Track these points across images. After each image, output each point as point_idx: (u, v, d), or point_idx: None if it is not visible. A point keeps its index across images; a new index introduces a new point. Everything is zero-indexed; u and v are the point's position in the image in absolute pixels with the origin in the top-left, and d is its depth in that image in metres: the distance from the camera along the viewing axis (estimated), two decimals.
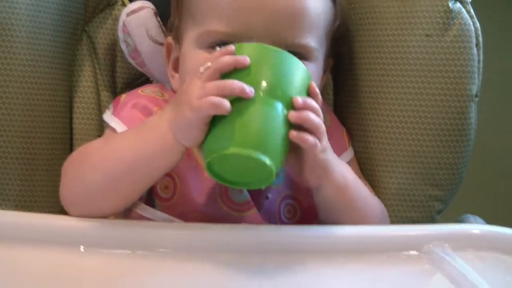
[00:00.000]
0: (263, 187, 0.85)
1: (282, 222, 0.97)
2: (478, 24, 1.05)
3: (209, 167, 0.84)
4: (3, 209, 1.01)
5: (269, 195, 0.97)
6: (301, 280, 0.83)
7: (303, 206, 0.99)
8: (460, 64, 1.03)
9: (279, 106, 0.84)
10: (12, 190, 1.04)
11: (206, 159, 0.83)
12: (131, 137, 0.92)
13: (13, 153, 1.04)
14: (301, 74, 0.87)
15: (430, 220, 1.05)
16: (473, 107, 1.04)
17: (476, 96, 1.04)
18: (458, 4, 1.05)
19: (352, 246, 0.88)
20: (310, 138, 0.85)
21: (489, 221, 0.98)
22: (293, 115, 0.84)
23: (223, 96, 0.82)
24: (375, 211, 0.99)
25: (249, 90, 0.82)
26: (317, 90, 0.88)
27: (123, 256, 0.85)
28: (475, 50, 1.04)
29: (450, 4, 1.04)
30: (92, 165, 0.91)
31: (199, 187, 0.96)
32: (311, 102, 0.86)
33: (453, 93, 1.03)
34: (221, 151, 0.81)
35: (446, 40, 1.03)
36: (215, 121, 0.83)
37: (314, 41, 0.95)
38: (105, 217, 0.91)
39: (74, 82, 1.12)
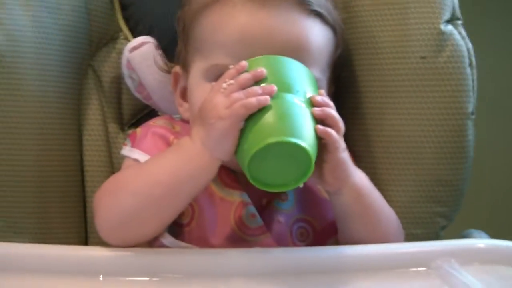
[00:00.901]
0: (301, 184, 0.87)
1: (295, 245, 0.99)
2: (470, 45, 1.09)
3: (250, 168, 0.85)
4: (19, 241, 1.00)
5: (281, 219, 0.99)
6: None
7: (316, 229, 1.01)
8: (455, 83, 1.06)
9: (302, 103, 0.88)
10: (28, 223, 1.06)
11: (244, 162, 0.85)
12: (166, 160, 0.92)
13: (28, 187, 1.06)
14: (312, 77, 0.93)
15: (435, 236, 1.08)
16: (470, 125, 1.07)
17: (473, 113, 1.07)
18: (450, 26, 1.08)
19: (362, 264, 0.90)
20: (334, 133, 0.89)
21: (492, 235, 1.01)
22: (317, 110, 0.88)
23: None
24: (392, 219, 1.01)
25: (271, 87, 0.87)
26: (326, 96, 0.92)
27: (141, 283, 0.87)
28: (468, 70, 1.07)
29: (442, 27, 1.07)
30: (130, 191, 0.92)
31: (215, 214, 0.97)
32: (328, 100, 0.91)
33: (450, 112, 1.06)
34: (261, 144, 0.84)
35: (440, 61, 1.07)
36: (244, 128, 0.86)
37: (318, 72, 0.98)
38: (144, 243, 0.92)
39: (82, 116, 1.14)
